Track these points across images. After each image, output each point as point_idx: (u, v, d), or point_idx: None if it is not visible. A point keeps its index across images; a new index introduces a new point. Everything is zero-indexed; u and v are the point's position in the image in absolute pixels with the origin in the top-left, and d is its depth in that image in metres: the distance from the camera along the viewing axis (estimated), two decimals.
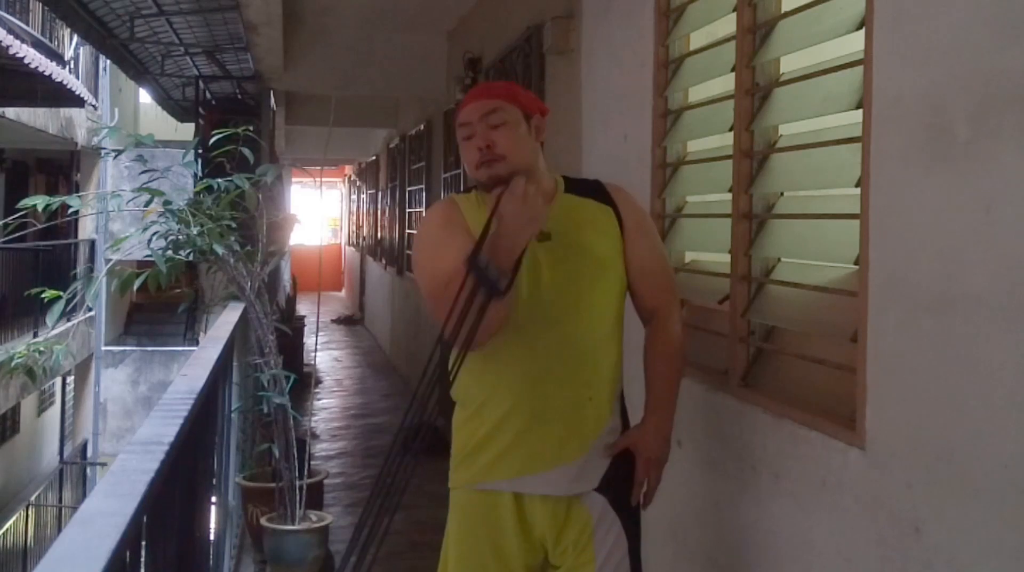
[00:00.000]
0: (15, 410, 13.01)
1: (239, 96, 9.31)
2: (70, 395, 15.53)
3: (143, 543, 1.78)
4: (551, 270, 2.17)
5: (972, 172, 1.68)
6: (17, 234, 5.32)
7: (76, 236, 14.46)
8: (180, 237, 4.11)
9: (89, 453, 14.98)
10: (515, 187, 2.00)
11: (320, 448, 7.10)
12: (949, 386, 1.72)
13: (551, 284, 2.16)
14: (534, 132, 2.22)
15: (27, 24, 11.36)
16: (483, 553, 2.23)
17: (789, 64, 2.44)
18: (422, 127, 9.11)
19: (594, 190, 2.30)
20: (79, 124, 13.67)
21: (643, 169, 3.13)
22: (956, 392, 1.71)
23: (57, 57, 11.09)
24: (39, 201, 3.97)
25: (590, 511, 2.16)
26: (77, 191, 14.68)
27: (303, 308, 12.48)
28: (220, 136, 4.51)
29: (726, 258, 2.60)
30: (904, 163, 1.86)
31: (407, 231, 10.22)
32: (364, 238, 15.95)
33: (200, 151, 6.54)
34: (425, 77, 7.56)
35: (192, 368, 3.06)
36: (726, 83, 2.66)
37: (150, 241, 4.17)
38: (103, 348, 15.13)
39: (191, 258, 4.24)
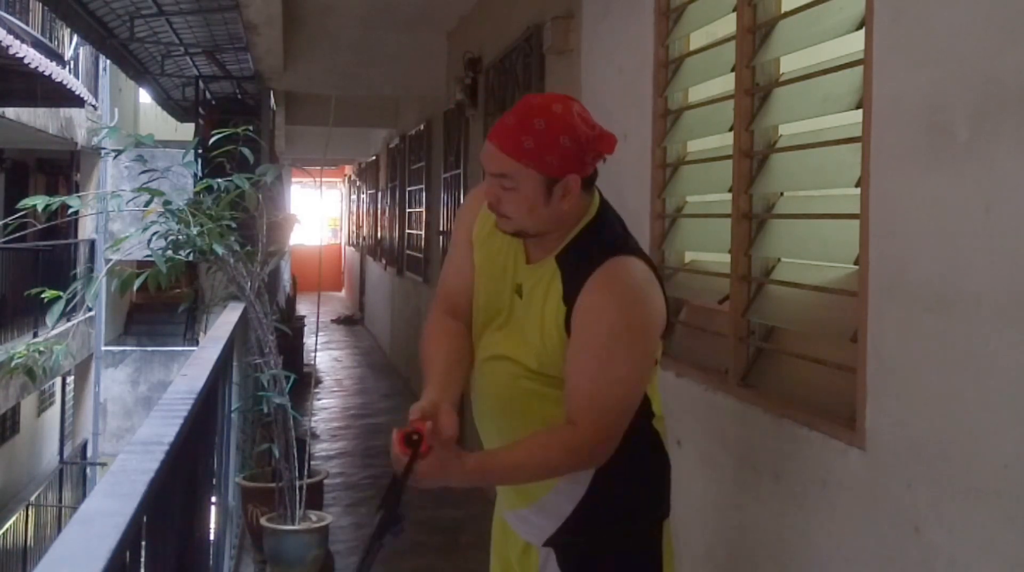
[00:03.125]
0: (15, 410, 13.00)
1: (239, 96, 9.33)
2: (70, 395, 15.52)
3: (143, 543, 1.78)
4: (506, 326, 2.00)
5: (972, 172, 1.69)
6: (17, 234, 5.33)
7: (76, 236, 14.45)
8: (180, 237, 4.11)
9: (89, 453, 14.97)
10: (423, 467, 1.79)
11: (320, 448, 7.10)
12: (949, 386, 1.72)
13: (503, 341, 2.00)
14: (557, 197, 1.87)
15: (27, 24, 11.36)
16: (494, 552, 2.24)
17: (789, 64, 2.44)
18: (422, 127, 9.11)
19: (585, 269, 1.88)
20: (79, 124, 13.66)
21: (643, 169, 3.13)
22: (956, 392, 1.71)
23: (57, 57, 11.09)
24: (39, 201, 3.97)
25: (542, 563, 2.04)
26: (77, 191, 14.67)
27: (303, 308, 12.47)
28: (220, 136, 4.51)
29: (726, 258, 2.60)
30: (904, 163, 1.86)
31: (407, 231, 10.21)
32: (364, 238, 15.94)
33: (200, 151, 6.54)
34: (425, 77, 7.56)
35: (192, 368, 3.06)
36: (726, 83, 2.66)
37: (150, 241, 4.17)
38: (103, 348, 15.13)
39: (191, 258, 4.24)
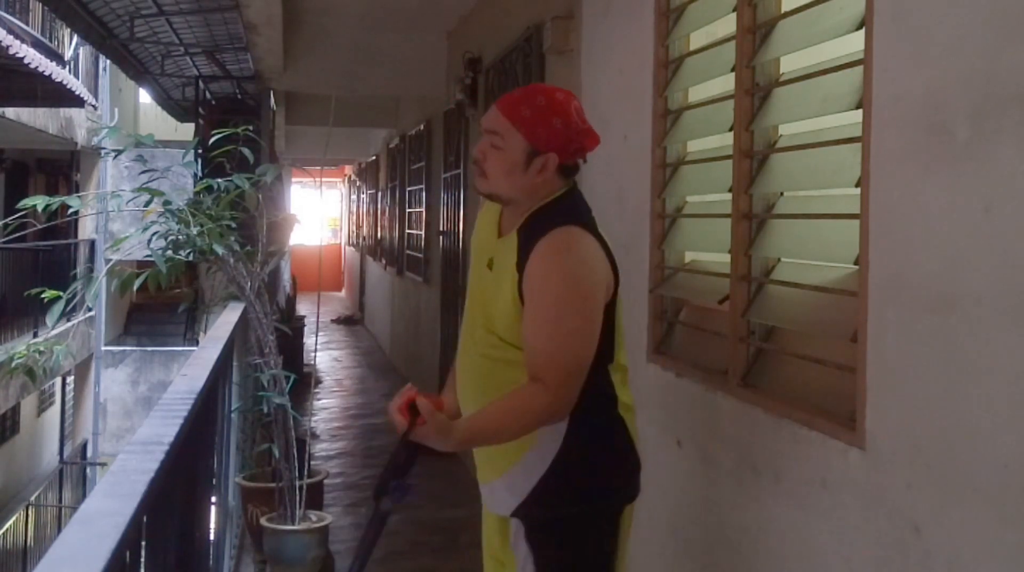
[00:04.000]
0: (15, 410, 13.00)
1: (239, 96, 9.33)
2: (70, 395, 15.52)
3: (143, 543, 1.78)
4: (475, 297, 2.21)
5: (972, 172, 1.69)
6: (17, 234, 5.32)
7: (76, 236, 14.45)
8: (180, 237, 4.11)
9: (89, 453, 14.97)
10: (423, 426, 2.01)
11: (320, 448, 7.10)
12: (949, 386, 1.72)
13: (473, 312, 2.21)
14: (535, 168, 2.09)
15: (27, 24, 11.36)
16: (484, 541, 2.33)
17: (789, 64, 2.44)
18: (422, 127, 9.11)
19: (535, 239, 2.06)
20: (79, 124, 13.66)
21: (643, 169, 3.13)
22: (956, 392, 1.71)
23: (57, 57, 11.08)
24: (39, 201, 3.97)
25: (513, 535, 2.16)
26: (77, 191, 14.68)
27: (303, 308, 12.47)
28: (220, 136, 4.51)
29: (726, 258, 2.60)
30: (904, 163, 1.86)
31: (407, 231, 10.21)
32: (364, 238, 15.95)
33: (200, 151, 6.54)
34: (425, 77, 7.56)
35: (192, 368, 3.06)
36: (726, 83, 2.66)
37: (150, 241, 4.16)
38: (103, 348, 15.13)
39: (191, 258, 4.24)
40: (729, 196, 2.57)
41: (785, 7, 2.44)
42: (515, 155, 2.09)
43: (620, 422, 2.16)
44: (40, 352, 5.02)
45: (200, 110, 8.68)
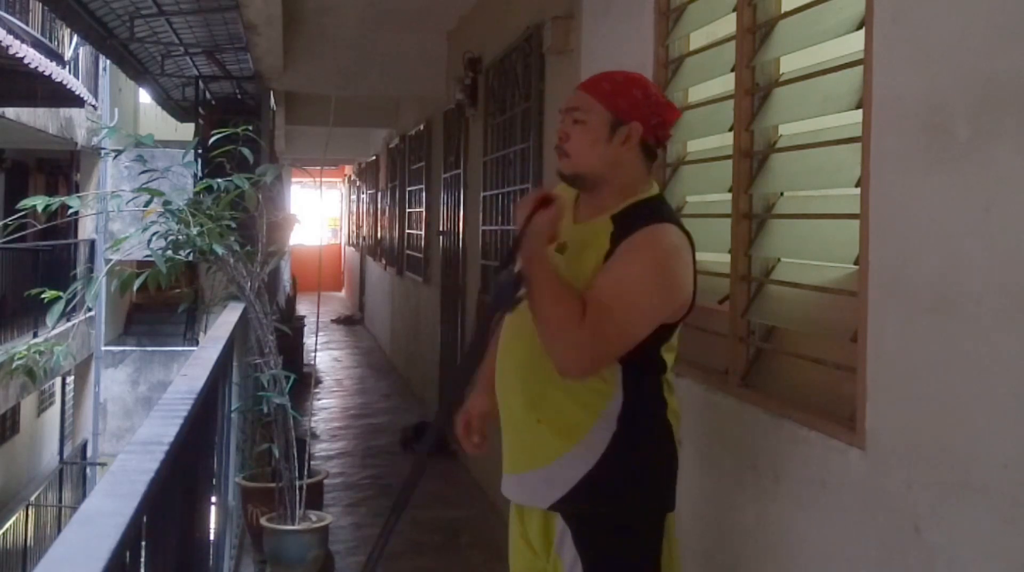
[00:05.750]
0: (15, 410, 13.00)
1: (239, 96, 9.32)
2: (70, 395, 15.52)
3: (143, 543, 1.78)
4: None
5: (972, 172, 1.69)
6: (17, 234, 5.32)
7: (76, 236, 14.45)
8: (180, 237, 4.10)
9: (89, 453, 14.97)
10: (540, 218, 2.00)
11: (320, 448, 7.10)
12: (949, 386, 1.72)
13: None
14: (619, 138, 2.09)
15: (27, 24, 11.35)
16: (511, 545, 2.29)
17: (789, 64, 2.44)
18: (422, 127, 9.10)
19: (636, 225, 2.06)
20: (79, 124, 13.66)
21: None
22: (956, 392, 1.71)
23: (57, 57, 11.08)
24: (39, 201, 3.97)
25: (559, 537, 2.11)
26: (77, 191, 14.68)
27: (303, 308, 12.47)
28: (220, 136, 4.51)
29: (726, 258, 2.60)
30: (904, 163, 1.86)
31: (407, 231, 10.21)
32: (364, 238, 15.94)
33: (200, 151, 6.54)
34: (425, 77, 7.56)
35: (192, 368, 3.06)
36: (726, 83, 2.66)
37: (150, 241, 4.16)
38: (103, 348, 15.12)
39: (191, 258, 4.24)
40: (729, 196, 2.57)
41: (785, 7, 2.45)
42: (598, 126, 2.09)
43: (668, 428, 2.13)
44: (40, 352, 5.02)
45: (200, 110, 8.67)
